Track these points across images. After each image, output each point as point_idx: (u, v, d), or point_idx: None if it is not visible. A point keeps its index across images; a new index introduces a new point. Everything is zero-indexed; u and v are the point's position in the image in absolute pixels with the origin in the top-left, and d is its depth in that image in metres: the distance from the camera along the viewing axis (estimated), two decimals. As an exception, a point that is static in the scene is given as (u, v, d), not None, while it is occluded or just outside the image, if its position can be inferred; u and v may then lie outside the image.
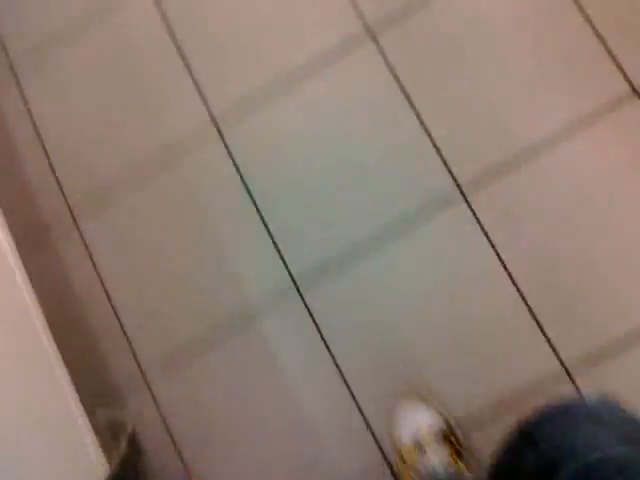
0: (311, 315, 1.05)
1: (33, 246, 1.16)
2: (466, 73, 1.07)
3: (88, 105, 1.21)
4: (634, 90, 1.01)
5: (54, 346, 0.97)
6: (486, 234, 1.02)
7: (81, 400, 0.96)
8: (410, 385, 1.01)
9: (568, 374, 0.96)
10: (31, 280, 0.99)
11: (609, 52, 1.03)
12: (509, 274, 1.00)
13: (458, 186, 1.04)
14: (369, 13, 1.12)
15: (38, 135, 1.22)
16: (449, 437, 0.96)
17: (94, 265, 1.15)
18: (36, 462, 0.83)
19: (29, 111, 1.23)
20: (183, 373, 1.09)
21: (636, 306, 0.97)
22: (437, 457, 0.92)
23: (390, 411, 1.00)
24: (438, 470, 0.91)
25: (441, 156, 1.05)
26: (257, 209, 1.10)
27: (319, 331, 1.05)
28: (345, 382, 1.03)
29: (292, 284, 1.06)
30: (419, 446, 0.94)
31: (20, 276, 0.97)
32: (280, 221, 1.09)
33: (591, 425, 0.60)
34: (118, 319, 1.12)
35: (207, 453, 1.06)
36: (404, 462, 0.95)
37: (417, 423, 0.96)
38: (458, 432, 0.97)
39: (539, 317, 0.98)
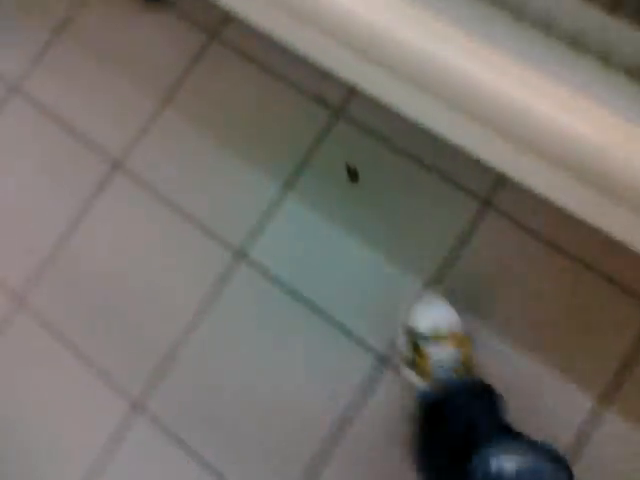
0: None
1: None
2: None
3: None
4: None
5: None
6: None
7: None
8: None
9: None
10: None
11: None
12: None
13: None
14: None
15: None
16: (464, 345, 0.91)
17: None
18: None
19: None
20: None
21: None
22: (450, 355, 0.87)
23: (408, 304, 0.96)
24: (446, 364, 0.86)
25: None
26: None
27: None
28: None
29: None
30: (436, 336, 0.88)
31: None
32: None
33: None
34: None
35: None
36: (418, 351, 0.89)
37: (440, 316, 0.91)
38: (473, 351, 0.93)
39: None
